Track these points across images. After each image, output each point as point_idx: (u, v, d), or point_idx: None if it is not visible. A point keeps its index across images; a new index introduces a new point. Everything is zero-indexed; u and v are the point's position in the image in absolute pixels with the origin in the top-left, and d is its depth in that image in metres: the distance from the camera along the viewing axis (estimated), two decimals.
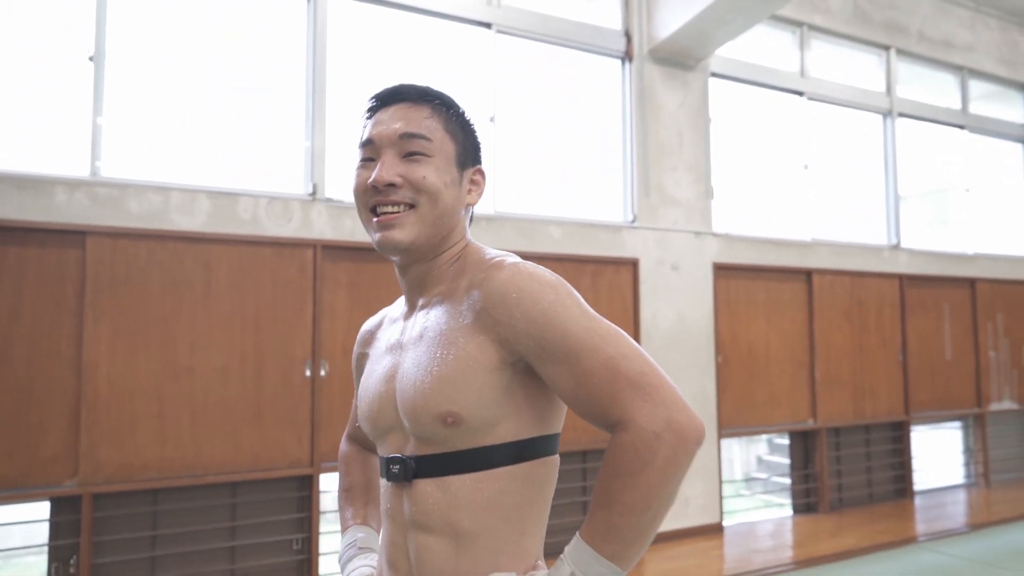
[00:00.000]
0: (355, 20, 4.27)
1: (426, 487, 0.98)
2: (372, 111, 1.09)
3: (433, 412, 0.95)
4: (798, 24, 5.91)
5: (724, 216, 5.47)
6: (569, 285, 0.97)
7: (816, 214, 5.96)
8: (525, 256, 1.15)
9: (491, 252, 1.06)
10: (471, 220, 1.15)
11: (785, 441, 5.66)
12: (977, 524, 5.30)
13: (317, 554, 3.83)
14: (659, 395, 0.87)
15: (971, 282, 6.68)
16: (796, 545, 4.81)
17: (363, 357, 1.22)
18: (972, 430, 6.75)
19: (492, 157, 4.59)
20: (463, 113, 1.12)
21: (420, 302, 1.09)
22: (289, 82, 4.09)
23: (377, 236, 1.03)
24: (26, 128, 3.53)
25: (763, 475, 7.60)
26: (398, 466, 1.01)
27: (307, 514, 3.83)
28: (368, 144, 1.06)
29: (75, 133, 3.55)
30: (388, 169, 1.02)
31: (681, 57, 5.16)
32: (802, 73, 5.93)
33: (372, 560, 1.18)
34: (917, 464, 6.28)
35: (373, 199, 1.03)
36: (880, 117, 6.45)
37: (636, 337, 4.78)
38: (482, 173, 1.13)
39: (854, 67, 6.35)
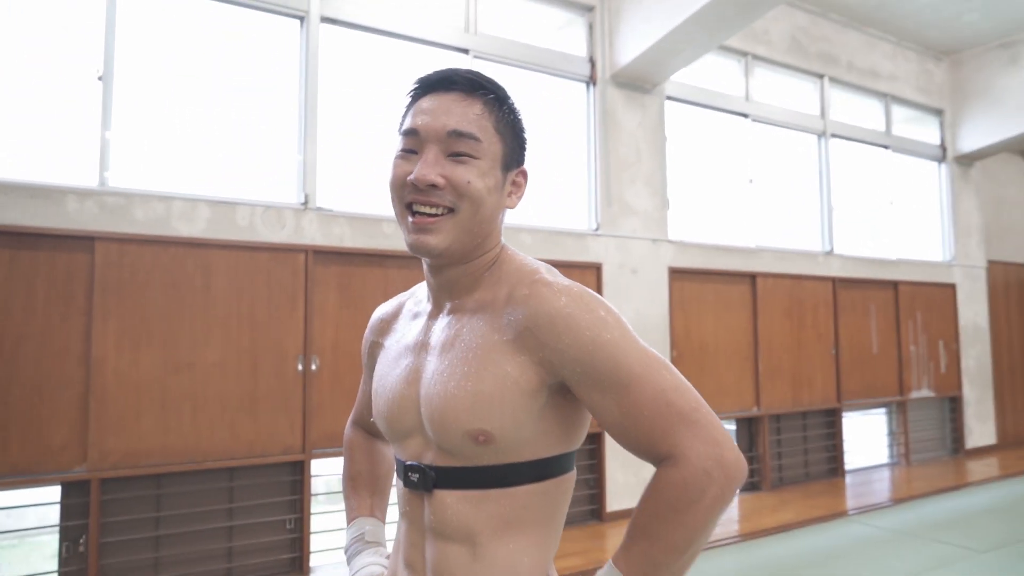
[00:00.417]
0: (344, 44, 4.31)
1: (446, 498, 0.88)
2: (416, 95, 0.92)
3: (464, 428, 0.85)
4: (743, 54, 6.07)
5: (678, 225, 5.57)
6: (617, 311, 0.86)
7: (760, 223, 6.08)
8: None
9: (531, 263, 0.94)
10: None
11: (732, 427, 5.80)
12: (899, 499, 5.45)
13: (308, 533, 3.85)
14: (710, 432, 0.79)
15: (894, 284, 6.85)
16: (742, 519, 4.93)
17: (376, 346, 1.08)
18: (895, 415, 6.90)
19: None
20: (516, 110, 0.95)
21: (449, 304, 0.95)
22: (283, 99, 4.11)
23: (410, 238, 0.89)
24: (40, 141, 3.50)
25: None
26: (418, 475, 0.91)
27: (299, 496, 3.85)
28: (411, 134, 0.89)
29: (85, 146, 3.53)
30: (431, 168, 0.86)
31: (639, 82, 5.27)
32: (747, 97, 6.07)
33: (382, 557, 1.07)
34: (848, 446, 6.41)
35: (411, 196, 0.88)
36: (816, 137, 6.59)
37: None
38: (525, 175, 0.97)
39: (792, 93, 6.49)
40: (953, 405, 7.34)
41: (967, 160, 7.61)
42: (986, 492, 5.72)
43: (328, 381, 3.96)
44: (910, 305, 6.98)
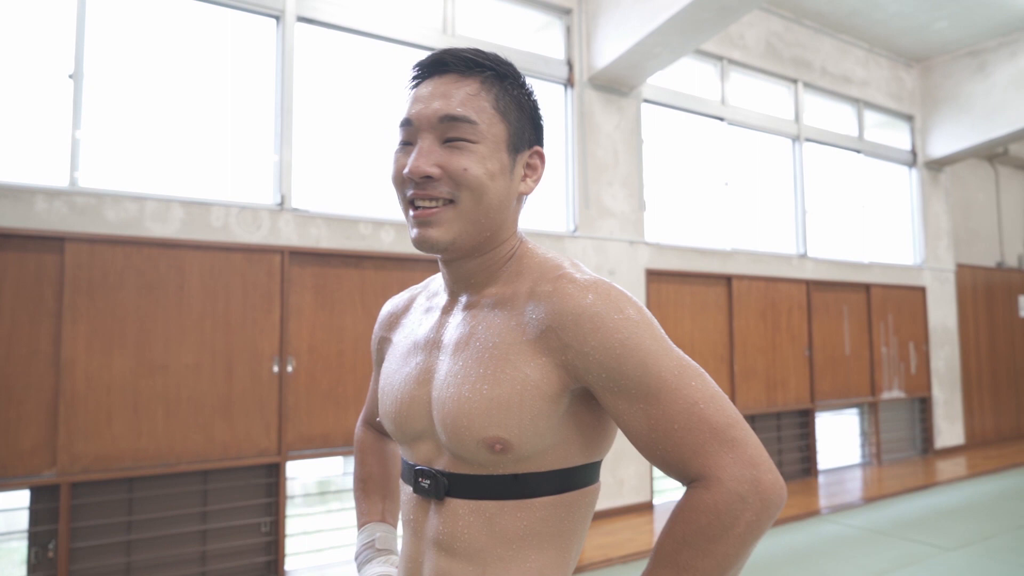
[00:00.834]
0: (321, 44, 4.30)
1: (459, 508, 0.81)
2: (415, 83, 0.86)
3: (479, 435, 0.78)
4: (719, 58, 6.15)
5: (655, 227, 5.62)
6: (647, 311, 0.79)
7: (735, 226, 6.15)
8: None
9: (554, 256, 0.89)
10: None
11: None
12: (871, 498, 5.54)
13: (284, 536, 3.83)
14: (746, 452, 0.72)
15: (866, 287, 6.97)
16: None
17: (384, 342, 1.02)
18: (867, 416, 7.00)
19: None
20: (521, 84, 0.87)
21: (465, 299, 0.89)
22: (259, 99, 4.09)
23: (414, 233, 0.83)
24: (8, 140, 3.45)
25: None
26: (428, 481, 0.84)
27: (274, 499, 3.83)
28: (406, 125, 0.84)
29: (55, 145, 3.49)
30: (425, 158, 0.81)
31: (617, 84, 5.33)
32: (723, 101, 6.14)
33: (392, 567, 1.01)
34: (821, 446, 6.50)
35: (411, 190, 0.83)
36: (790, 141, 6.68)
37: None
38: (541, 155, 0.90)
39: (767, 97, 6.58)
40: (923, 406, 7.49)
41: (937, 165, 7.79)
42: (954, 491, 5.85)
43: (304, 383, 3.95)
44: (882, 307, 7.10)
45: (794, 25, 6.66)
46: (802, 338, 6.38)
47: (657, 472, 5.48)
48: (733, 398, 5.80)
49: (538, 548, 0.80)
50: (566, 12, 5.26)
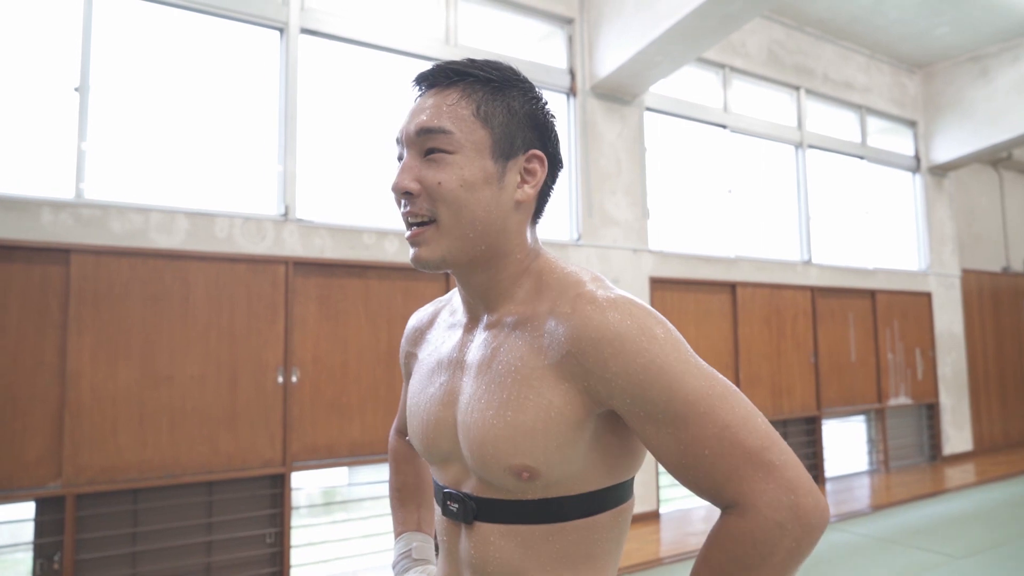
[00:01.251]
0: (324, 55, 4.34)
1: (489, 533, 0.80)
2: (414, 100, 0.86)
3: (505, 463, 0.76)
4: (721, 66, 6.17)
5: (659, 235, 5.62)
6: (674, 328, 0.76)
7: (739, 233, 6.15)
8: None
9: (573, 272, 0.84)
10: (541, 214, 0.90)
11: None
12: (879, 505, 5.50)
13: (289, 547, 3.83)
14: (784, 475, 0.68)
15: (872, 293, 6.96)
16: None
17: (411, 356, 1.01)
18: (874, 423, 6.98)
19: None
20: (512, 85, 0.83)
21: (486, 318, 0.86)
22: (263, 110, 4.12)
23: (410, 254, 0.83)
24: (15, 153, 3.48)
25: None
26: (457, 505, 0.83)
27: (279, 510, 3.83)
28: (398, 143, 0.85)
29: (61, 158, 3.52)
30: (406, 173, 0.81)
31: (619, 93, 5.35)
32: (725, 109, 6.16)
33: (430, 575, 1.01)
34: (828, 453, 6.48)
35: (401, 209, 0.83)
36: (793, 148, 6.69)
37: None
38: (540, 158, 0.84)
39: (770, 104, 6.60)
40: (930, 412, 7.46)
41: (940, 171, 7.78)
42: (963, 498, 5.81)
43: (309, 393, 3.95)
44: (887, 313, 7.09)
45: (796, 32, 6.69)
46: (807, 345, 6.37)
47: (664, 481, 5.47)
48: None
49: (574, 569, 0.79)
50: (568, 21, 5.29)
